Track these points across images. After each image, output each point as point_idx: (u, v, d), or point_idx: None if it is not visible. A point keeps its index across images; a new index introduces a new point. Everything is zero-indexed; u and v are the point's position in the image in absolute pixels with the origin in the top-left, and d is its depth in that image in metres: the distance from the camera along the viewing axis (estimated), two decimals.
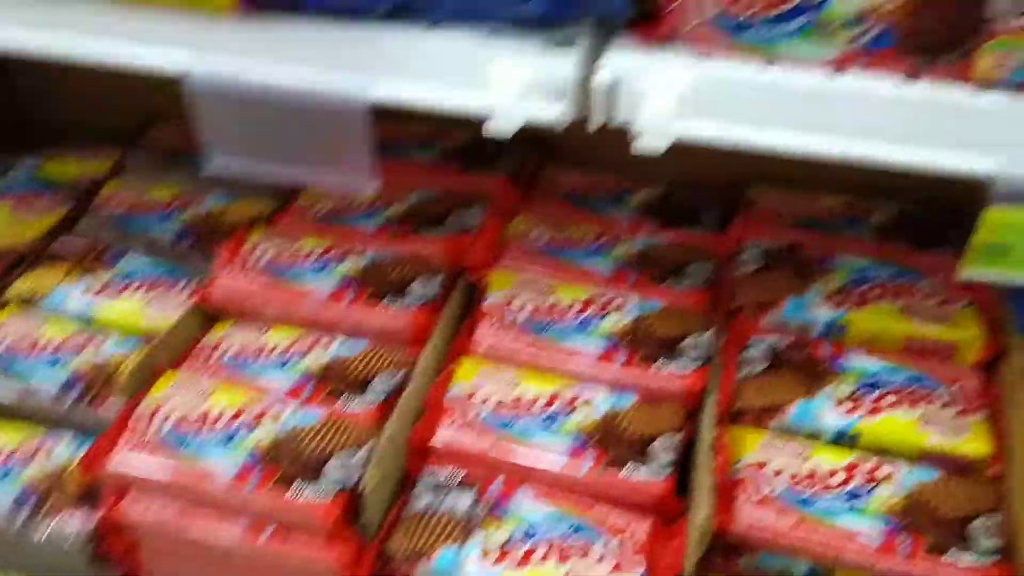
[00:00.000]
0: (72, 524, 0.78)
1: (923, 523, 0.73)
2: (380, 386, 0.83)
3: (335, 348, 0.86)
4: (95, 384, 0.86)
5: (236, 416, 0.78)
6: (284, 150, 0.76)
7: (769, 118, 0.62)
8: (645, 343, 0.84)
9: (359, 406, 0.81)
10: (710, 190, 1.04)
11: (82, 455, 0.77)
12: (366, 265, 0.90)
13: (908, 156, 0.61)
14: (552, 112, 0.64)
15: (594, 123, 0.65)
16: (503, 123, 0.66)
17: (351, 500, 0.73)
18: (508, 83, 0.64)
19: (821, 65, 0.60)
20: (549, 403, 0.82)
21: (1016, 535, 0.73)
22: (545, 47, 0.62)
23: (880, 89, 0.59)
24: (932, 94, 0.59)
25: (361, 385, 0.83)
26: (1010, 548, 0.72)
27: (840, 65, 0.60)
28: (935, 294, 0.87)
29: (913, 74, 0.59)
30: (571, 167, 1.07)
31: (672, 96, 0.62)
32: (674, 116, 0.62)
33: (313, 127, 0.73)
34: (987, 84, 0.58)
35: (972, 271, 0.64)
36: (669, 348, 0.84)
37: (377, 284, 0.88)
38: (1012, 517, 0.74)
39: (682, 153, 1.04)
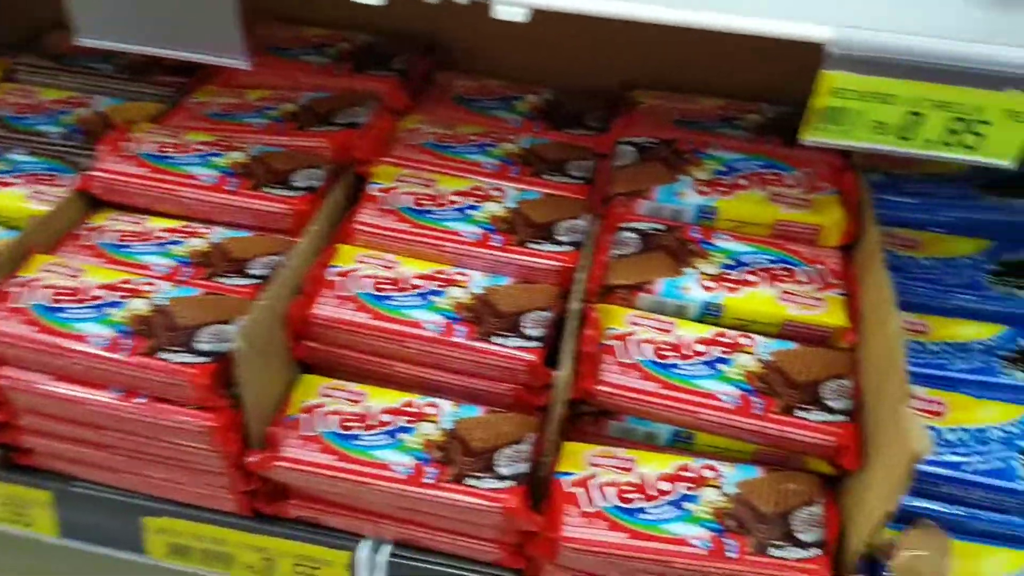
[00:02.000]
0: None
1: (778, 387, 0.77)
2: (259, 267, 0.84)
3: (216, 235, 0.87)
4: None
5: (109, 291, 0.79)
6: (156, 26, 0.76)
7: None
8: (521, 227, 0.87)
9: (236, 284, 0.82)
10: (597, 96, 1.07)
11: None
12: (250, 157, 0.91)
13: (751, 25, 0.64)
14: None
15: None
16: None
17: (222, 367, 0.74)
18: None
19: None
20: (426, 282, 0.84)
21: (865, 398, 0.76)
22: None
23: None
24: None
25: (240, 267, 0.84)
26: (859, 410, 0.76)
27: None
28: (802, 183, 0.90)
29: None
30: (465, 73, 1.09)
31: None
32: None
33: (183, 2, 0.74)
34: None
35: (813, 135, 0.67)
36: (544, 232, 0.86)
37: (260, 175, 0.89)
38: (862, 383, 0.78)
39: (569, 61, 1.07)
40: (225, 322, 0.77)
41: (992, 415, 0.77)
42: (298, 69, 1.04)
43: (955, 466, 0.75)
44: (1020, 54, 0.60)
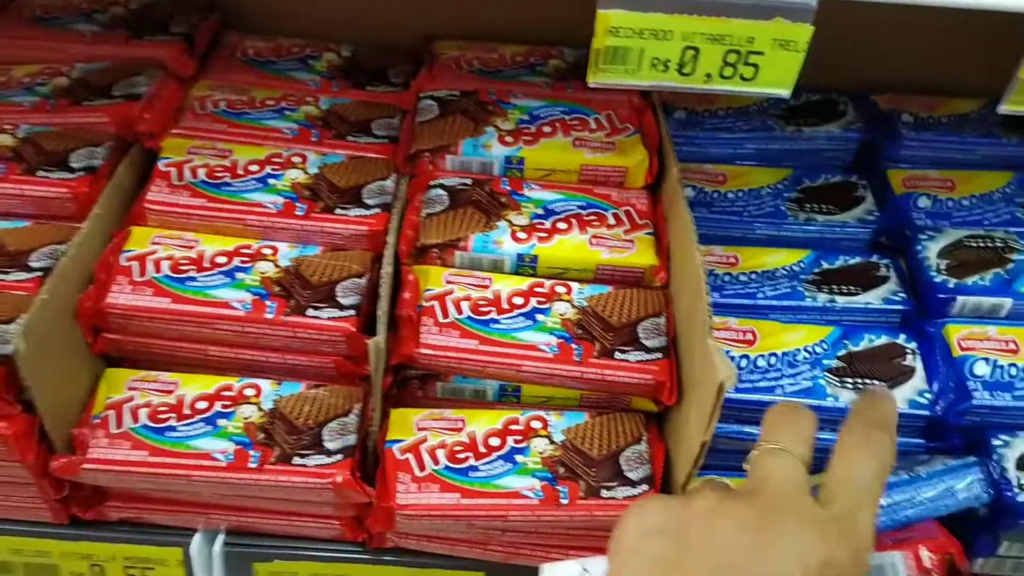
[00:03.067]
0: None
1: (595, 331, 0.78)
2: (41, 259, 0.77)
3: None
4: None
5: None
6: None
7: None
8: (326, 193, 0.83)
9: (16, 280, 0.76)
10: (400, 50, 1.04)
11: None
12: (19, 140, 0.83)
13: None
14: None
15: None
16: None
17: (8, 370, 0.68)
18: None
19: None
20: (230, 259, 0.79)
21: (678, 333, 0.78)
22: None
23: None
24: None
25: (19, 260, 0.77)
26: (672, 346, 0.78)
27: None
28: (604, 126, 0.90)
29: None
30: (254, 33, 1.03)
31: None
32: None
33: None
34: None
35: (597, 78, 0.66)
36: (350, 196, 0.84)
37: (31, 159, 0.82)
38: (674, 319, 0.79)
39: (367, 14, 1.04)
40: (7, 322, 0.71)
41: (799, 338, 0.81)
42: (68, 39, 0.96)
43: (768, 391, 0.78)
44: None
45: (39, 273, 0.76)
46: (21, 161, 0.81)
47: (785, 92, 0.66)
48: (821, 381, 0.79)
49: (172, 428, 0.73)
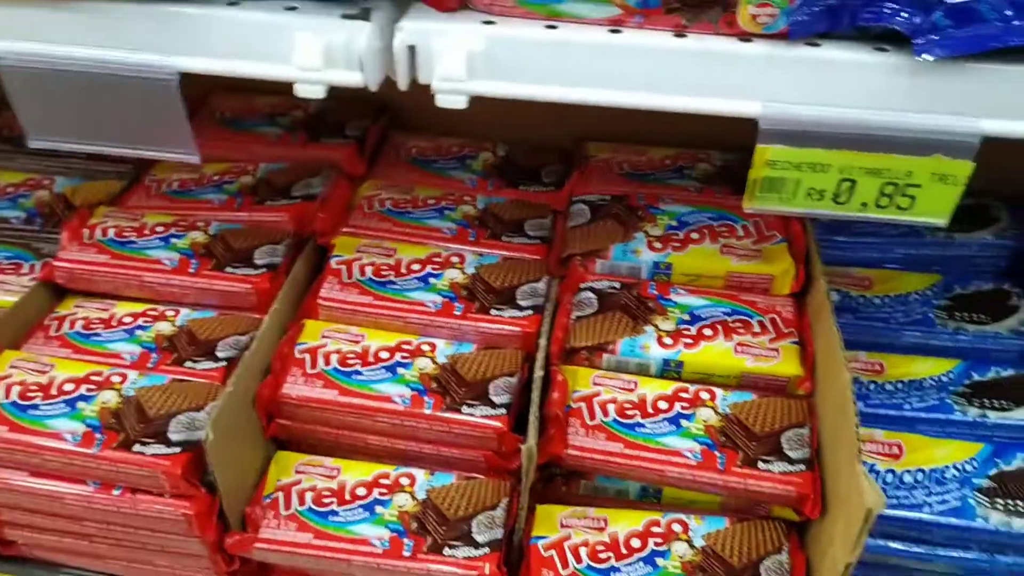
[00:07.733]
0: None
1: (739, 440, 0.79)
2: (226, 349, 0.85)
3: (182, 317, 0.88)
4: None
5: (79, 385, 0.80)
6: (104, 126, 0.77)
7: (555, 74, 0.66)
8: (482, 294, 0.89)
9: (205, 368, 0.83)
10: (552, 150, 1.09)
11: None
12: (210, 237, 0.92)
13: (683, 103, 0.66)
14: (352, 78, 0.67)
15: (400, 84, 0.69)
16: (309, 89, 0.69)
17: (196, 455, 0.75)
18: (309, 53, 0.66)
19: (599, 23, 0.65)
20: (392, 354, 0.85)
21: (822, 446, 0.79)
22: (343, 18, 0.66)
23: (654, 43, 0.64)
24: (701, 45, 0.64)
25: (207, 349, 0.85)
26: (816, 458, 0.79)
27: (616, 23, 0.65)
28: (751, 234, 0.93)
29: (681, 29, 0.65)
30: (418, 131, 1.10)
31: (463, 57, 0.65)
32: (466, 75, 0.66)
33: (128, 102, 0.74)
34: (748, 34, 0.64)
35: (753, 204, 0.69)
36: (505, 297, 0.88)
37: (221, 255, 0.90)
38: (819, 431, 0.80)
39: (524, 114, 1.09)
40: (196, 409, 0.78)
41: (947, 454, 0.80)
42: (253, 141, 1.05)
43: (915, 507, 0.77)
44: (944, 121, 0.63)
45: (224, 363, 0.84)
46: (212, 257, 0.90)
47: (941, 221, 0.68)
48: (971, 501, 0.78)
49: (334, 512, 0.79)
